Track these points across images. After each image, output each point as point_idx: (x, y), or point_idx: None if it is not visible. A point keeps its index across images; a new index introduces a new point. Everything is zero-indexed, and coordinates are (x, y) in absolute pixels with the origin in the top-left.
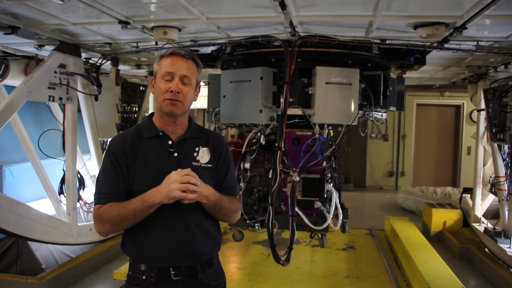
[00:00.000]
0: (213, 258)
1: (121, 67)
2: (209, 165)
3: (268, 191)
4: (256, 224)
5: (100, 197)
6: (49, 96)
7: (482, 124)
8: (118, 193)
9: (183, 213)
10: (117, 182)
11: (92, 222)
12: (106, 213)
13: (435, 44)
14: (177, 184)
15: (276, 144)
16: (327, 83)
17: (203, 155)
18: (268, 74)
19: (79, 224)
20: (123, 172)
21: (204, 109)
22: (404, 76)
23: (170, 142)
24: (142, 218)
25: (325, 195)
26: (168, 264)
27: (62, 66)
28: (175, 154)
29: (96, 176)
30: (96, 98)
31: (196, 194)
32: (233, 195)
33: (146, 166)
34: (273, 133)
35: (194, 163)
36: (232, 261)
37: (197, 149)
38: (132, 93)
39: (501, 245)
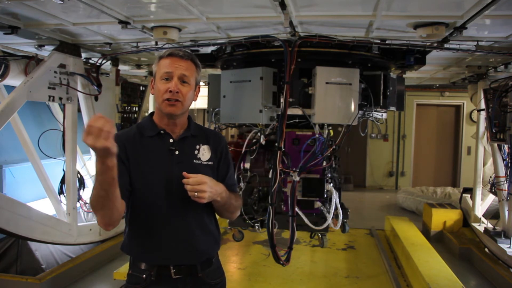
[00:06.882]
0: (213, 257)
1: (121, 67)
2: (210, 163)
3: (268, 191)
4: (256, 224)
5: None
6: (49, 96)
7: (482, 124)
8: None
9: (185, 212)
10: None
11: (92, 222)
12: (91, 201)
13: (435, 44)
14: None
15: (276, 144)
16: (327, 83)
17: (204, 153)
18: (268, 74)
19: (79, 224)
20: (125, 166)
21: (204, 109)
22: (404, 76)
23: (171, 141)
24: (111, 187)
25: (325, 195)
26: (168, 263)
27: (62, 66)
28: (176, 153)
29: None
30: (96, 98)
31: (206, 194)
32: (234, 192)
33: (147, 164)
34: (273, 133)
35: (195, 161)
36: (232, 261)
37: (197, 147)
38: (132, 93)
39: (501, 245)
